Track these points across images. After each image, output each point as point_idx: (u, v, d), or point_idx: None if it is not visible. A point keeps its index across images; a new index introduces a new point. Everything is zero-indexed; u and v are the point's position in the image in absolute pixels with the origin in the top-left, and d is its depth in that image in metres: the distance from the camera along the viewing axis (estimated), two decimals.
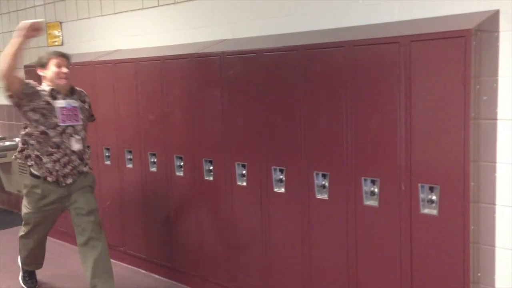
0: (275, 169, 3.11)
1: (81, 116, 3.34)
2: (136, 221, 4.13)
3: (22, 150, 3.28)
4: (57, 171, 3.23)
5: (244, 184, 3.30)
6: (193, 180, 3.63)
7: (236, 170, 3.32)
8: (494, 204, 2.57)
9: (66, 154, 3.25)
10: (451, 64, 2.36)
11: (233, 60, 3.28)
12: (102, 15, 4.72)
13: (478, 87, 2.40)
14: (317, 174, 2.91)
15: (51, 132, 3.20)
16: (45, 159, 3.21)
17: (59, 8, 5.21)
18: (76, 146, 3.29)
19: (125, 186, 4.16)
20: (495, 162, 2.55)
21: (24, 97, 3.13)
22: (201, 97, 3.51)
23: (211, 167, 3.50)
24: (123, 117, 4.10)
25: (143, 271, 4.12)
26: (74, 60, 4.46)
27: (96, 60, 4.31)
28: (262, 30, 3.48)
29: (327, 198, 2.88)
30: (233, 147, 3.34)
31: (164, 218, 3.90)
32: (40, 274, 3.98)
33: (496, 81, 2.52)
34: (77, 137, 3.30)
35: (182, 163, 3.69)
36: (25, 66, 5.16)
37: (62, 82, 3.26)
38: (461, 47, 2.32)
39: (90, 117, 3.58)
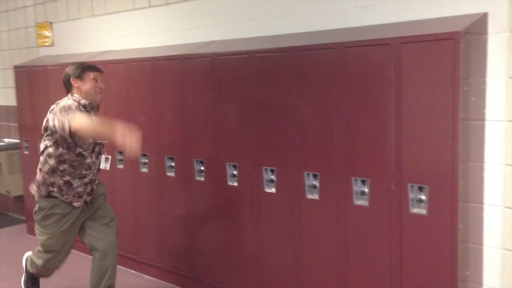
0: (266, 170, 3.13)
1: None
2: (125, 222, 4.12)
3: (44, 181, 3.05)
4: (87, 193, 3.10)
5: (235, 184, 3.31)
6: (184, 181, 3.63)
7: (227, 171, 3.34)
8: (482, 203, 2.61)
9: (94, 174, 3.14)
10: (440, 66, 2.40)
11: (224, 61, 3.30)
12: (93, 16, 4.71)
13: (466, 88, 2.44)
14: (308, 174, 2.93)
15: (85, 153, 3.04)
16: (76, 183, 3.04)
17: (49, 9, 5.19)
18: (104, 165, 3.21)
19: (116, 187, 4.15)
20: (483, 162, 2.59)
21: None
22: (192, 98, 3.52)
23: (202, 168, 3.50)
24: (114, 118, 4.08)
25: (133, 271, 4.11)
26: (64, 61, 4.47)
27: (87, 61, 4.30)
28: (253, 31, 3.49)
29: (318, 198, 2.90)
30: (224, 147, 3.35)
31: (155, 219, 3.90)
32: None
33: (484, 83, 2.56)
34: (105, 156, 3.23)
35: (173, 164, 3.70)
36: (15, 67, 5.14)
37: (99, 97, 3.14)
38: (450, 49, 2.35)
39: None
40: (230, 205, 3.38)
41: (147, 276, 4.03)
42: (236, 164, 3.29)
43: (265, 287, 3.24)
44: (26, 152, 5.05)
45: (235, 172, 3.31)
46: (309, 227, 2.96)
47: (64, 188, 3.03)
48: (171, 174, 3.72)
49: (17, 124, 5.31)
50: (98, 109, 3.21)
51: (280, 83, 3.01)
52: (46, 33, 5.23)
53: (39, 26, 5.30)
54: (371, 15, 2.92)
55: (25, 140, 5.05)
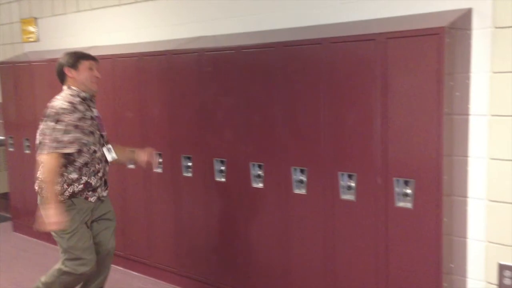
0: (253, 165, 3.14)
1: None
2: None
3: (64, 192, 2.84)
4: (102, 187, 2.98)
5: (223, 180, 3.32)
6: (171, 177, 3.63)
7: (214, 166, 3.34)
8: (466, 197, 2.65)
9: (104, 166, 2.99)
10: (426, 61, 2.42)
11: (212, 57, 3.29)
12: (78, 11, 4.68)
13: (451, 83, 2.47)
14: (295, 169, 2.94)
15: (96, 148, 2.92)
16: (94, 181, 2.91)
17: (34, 4, 5.14)
18: (109, 156, 3.02)
19: None
20: (467, 156, 2.62)
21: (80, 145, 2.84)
22: (180, 94, 3.51)
23: (190, 164, 3.50)
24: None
25: (120, 268, 4.10)
26: (50, 56, 4.43)
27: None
28: (240, 27, 3.50)
29: (305, 193, 2.92)
30: (211, 143, 3.35)
31: (142, 215, 3.89)
32: (17, 273, 3.93)
33: (468, 78, 2.59)
34: (108, 146, 3.05)
35: (160, 160, 3.69)
36: (1, 63, 5.08)
37: (95, 87, 2.98)
38: (434, 44, 2.38)
39: None
40: (217, 200, 3.39)
41: (134, 273, 4.02)
42: (224, 159, 3.29)
43: (254, 281, 3.25)
44: (11, 149, 5.01)
45: (222, 168, 3.31)
46: (296, 221, 2.98)
47: (85, 188, 2.89)
48: (158, 170, 3.71)
49: (1, 121, 5.26)
50: (94, 99, 3.06)
51: (267, 78, 3.02)
52: (31, 28, 5.18)
53: (24, 21, 5.25)
54: (358, 11, 2.94)
55: (10, 137, 5.00)
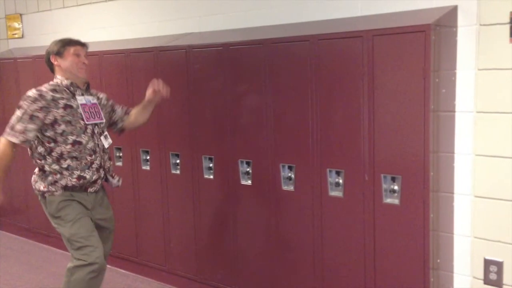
0: (242, 162, 3.14)
1: (102, 113, 2.95)
2: None
3: (55, 181, 2.76)
4: (101, 178, 2.89)
5: (211, 177, 3.31)
6: (160, 174, 3.62)
7: (203, 164, 3.33)
8: (452, 193, 2.67)
9: (101, 156, 2.86)
10: (412, 58, 2.44)
11: (199, 54, 3.29)
12: (64, 7, 4.63)
13: (437, 80, 2.49)
14: (283, 166, 2.95)
15: (84, 138, 2.78)
16: (89, 174, 2.80)
17: (19, 0, 5.07)
18: (106, 142, 2.92)
19: None
20: (453, 153, 2.65)
21: (33, 138, 2.72)
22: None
23: (178, 161, 3.49)
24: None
25: (109, 266, 4.06)
26: (35, 53, 4.39)
27: None
28: (228, 24, 3.49)
29: (293, 190, 2.92)
30: (200, 140, 3.35)
31: (131, 213, 3.88)
32: (3, 271, 3.90)
33: (454, 75, 2.61)
34: (105, 133, 2.94)
35: (148, 157, 3.68)
36: None
37: (82, 73, 2.84)
38: (421, 42, 2.39)
39: (112, 112, 3.09)
40: (206, 198, 3.38)
41: (123, 271, 4.01)
42: (212, 156, 3.29)
43: (243, 279, 3.26)
44: None
45: (211, 165, 3.31)
46: (285, 218, 2.99)
47: (79, 183, 2.79)
48: (146, 167, 3.70)
49: None
50: (88, 87, 2.93)
51: (255, 75, 3.02)
52: (16, 25, 5.12)
53: (9, 17, 5.19)
54: (345, 8, 2.95)
55: None
